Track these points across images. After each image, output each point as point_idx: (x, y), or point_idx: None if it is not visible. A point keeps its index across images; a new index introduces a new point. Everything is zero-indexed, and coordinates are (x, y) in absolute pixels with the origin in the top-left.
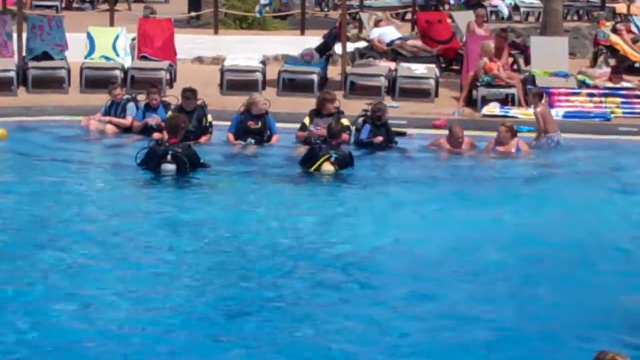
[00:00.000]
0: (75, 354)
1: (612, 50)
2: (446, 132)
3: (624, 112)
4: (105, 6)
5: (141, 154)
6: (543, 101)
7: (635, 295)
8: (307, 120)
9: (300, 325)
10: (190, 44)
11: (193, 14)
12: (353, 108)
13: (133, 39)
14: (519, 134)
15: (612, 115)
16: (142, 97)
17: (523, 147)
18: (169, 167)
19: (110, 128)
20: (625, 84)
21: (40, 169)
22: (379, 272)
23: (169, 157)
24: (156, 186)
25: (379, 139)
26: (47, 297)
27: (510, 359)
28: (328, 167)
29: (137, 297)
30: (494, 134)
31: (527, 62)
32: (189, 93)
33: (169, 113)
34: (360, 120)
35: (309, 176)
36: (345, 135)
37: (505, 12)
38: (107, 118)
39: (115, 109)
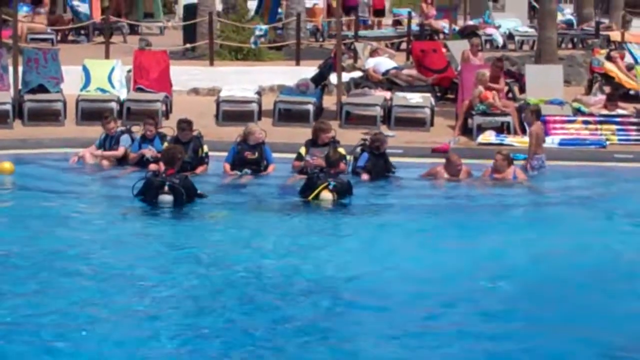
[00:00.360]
0: None
1: (607, 78)
2: (442, 158)
3: (619, 139)
4: (101, 39)
5: (138, 185)
6: (539, 122)
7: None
8: (303, 150)
9: (301, 354)
10: (185, 75)
11: (188, 45)
12: (349, 138)
13: (129, 71)
14: (515, 162)
15: (608, 143)
16: (137, 129)
17: (520, 174)
18: (166, 198)
19: (105, 162)
20: (620, 111)
21: (36, 201)
22: (378, 299)
23: (166, 188)
24: (153, 217)
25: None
26: (47, 326)
27: None
28: (327, 195)
29: (131, 327)
30: (490, 162)
31: (522, 90)
32: (185, 124)
33: (165, 144)
34: (359, 149)
35: (307, 205)
36: (342, 165)
37: (500, 40)
38: (99, 152)
39: (109, 141)
